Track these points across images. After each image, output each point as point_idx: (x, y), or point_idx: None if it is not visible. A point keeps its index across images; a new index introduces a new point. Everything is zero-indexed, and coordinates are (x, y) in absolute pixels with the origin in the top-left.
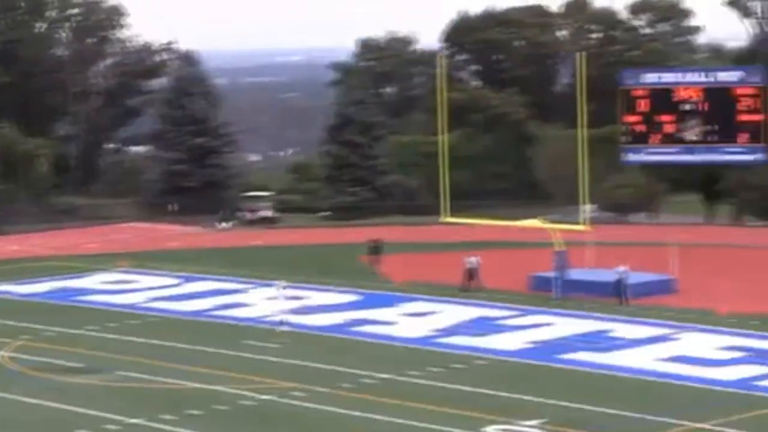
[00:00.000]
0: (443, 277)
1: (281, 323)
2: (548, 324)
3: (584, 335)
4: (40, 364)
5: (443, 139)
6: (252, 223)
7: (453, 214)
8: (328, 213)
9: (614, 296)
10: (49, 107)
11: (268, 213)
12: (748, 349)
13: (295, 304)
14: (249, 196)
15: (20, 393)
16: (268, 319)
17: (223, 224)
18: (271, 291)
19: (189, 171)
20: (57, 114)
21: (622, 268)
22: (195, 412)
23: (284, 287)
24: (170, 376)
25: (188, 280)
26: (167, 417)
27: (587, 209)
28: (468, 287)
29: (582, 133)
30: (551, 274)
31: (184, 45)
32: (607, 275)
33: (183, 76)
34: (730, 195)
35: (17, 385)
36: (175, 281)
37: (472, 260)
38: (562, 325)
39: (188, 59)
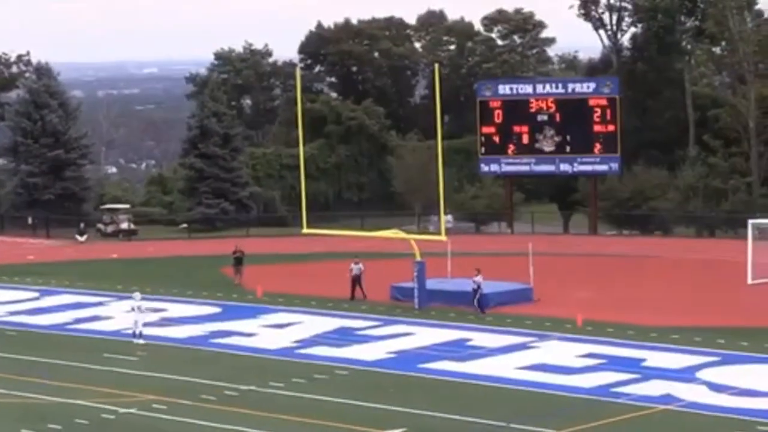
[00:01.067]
0: (304, 288)
1: (136, 335)
2: (410, 334)
3: (445, 344)
4: None
5: (301, 150)
6: (110, 235)
7: (313, 225)
8: (186, 225)
9: (473, 306)
10: None
11: (127, 225)
12: (604, 357)
13: (155, 316)
14: (107, 209)
15: None
16: (128, 332)
17: (82, 237)
18: (130, 303)
19: (46, 183)
20: None
21: (477, 278)
22: (55, 426)
23: (140, 299)
24: (30, 391)
25: (46, 293)
26: None
27: (446, 219)
28: (353, 296)
29: (439, 144)
30: (412, 284)
31: (37, 57)
32: (466, 285)
33: (37, 89)
34: (585, 204)
35: None
36: (32, 295)
37: (354, 267)
38: (424, 335)
39: (42, 71)
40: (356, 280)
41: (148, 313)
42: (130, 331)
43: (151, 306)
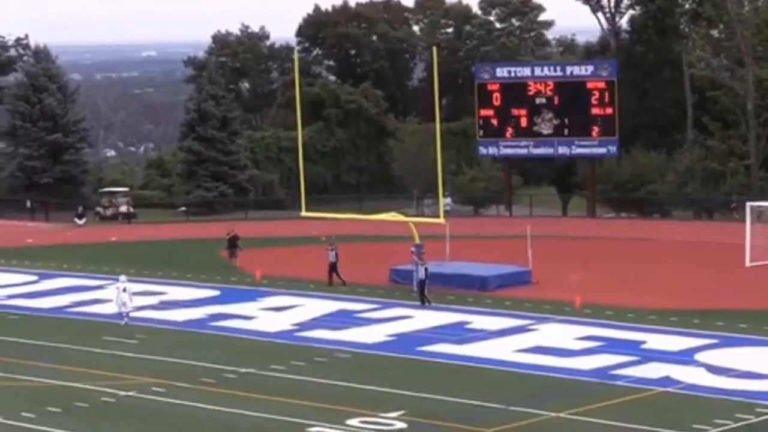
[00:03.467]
0: (303, 271)
1: (122, 316)
2: (408, 317)
3: (444, 327)
4: None
5: (299, 134)
6: (109, 218)
7: (312, 208)
8: (185, 208)
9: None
10: None
11: (125, 209)
12: (603, 339)
13: (153, 299)
14: (106, 192)
15: None
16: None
17: (80, 220)
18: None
19: (45, 167)
20: None
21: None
22: (55, 409)
23: (125, 281)
24: (29, 374)
25: (45, 276)
26: (27, 415)
27: (444, 202)
28: (330, 282)
29: (438, 127)
30: (410, 267)
31: (35, 40)
32: (465, 268)
33: (35, 72)
34: (584, 187)
35: None
36: (32, 278)
37: (330, 254)
38: (423, 318)
39: (40, 54)
40: (332, 267)
41: (133, 296)
42: (118, 311)
43: (149, 289)
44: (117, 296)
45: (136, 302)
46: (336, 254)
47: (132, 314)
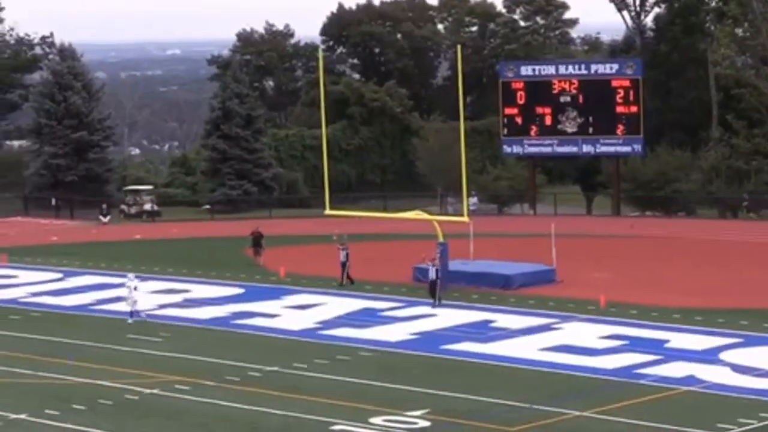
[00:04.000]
0: (327, 270)
1: (133, 315)
2: (432, 315)
3: (468, 326)
4: None
5: (324, 132)
6: (134, 216)
7: (336, 206)
8: (209, 206)
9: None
10: None
11: (150, 207)
12: (627, 338)
13: (177, 297)
14: (130, 190)
15: None
16: (151, 312)
17: (105, 218)
18: (153, 284)
19: (70, 165)
20: None
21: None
22: (79, 407)
23: (134, 279)
24: (54, 371)
25: (70, 274)
26: (52, 412)
27: (470, 201)
28: (342, 281)
29: (462, 125)
30: (436, 265)
31: (60, 38)
32: (489, 266)
33: (60, 70)
34: (608, 186)
35: None
36: (56, 276)
37: (341, 253)
38: (446, 316)
39: (65, 53)
40: (343, 266)
41: (141, 294)
42: (131, 309)
43: (173, 287)
44: (129, 295)
45: (160, 300)
46: (347, 254)
47: (156, 312)
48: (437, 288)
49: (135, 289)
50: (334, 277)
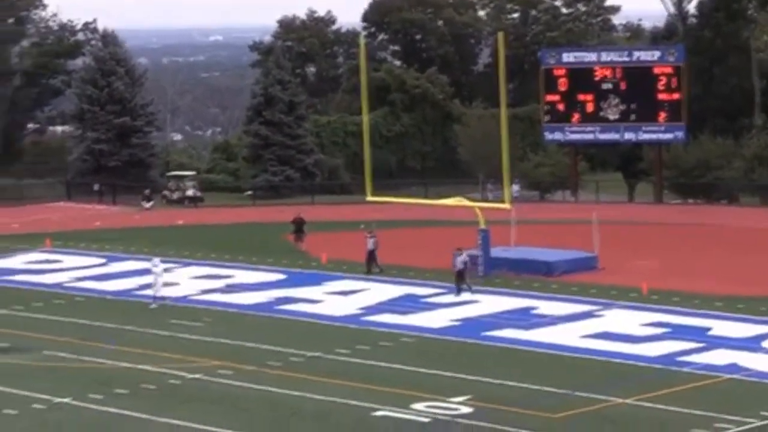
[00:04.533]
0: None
1: (155, 299)
2: (474, 302)
3: (510, 312)
4: None
5: (366, 119)
6: (176, 202)
7: (377, 192)
8: (251, 192)
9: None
10: None
11: (192, 192)
12: (669, 325)
13: (220, 283)
14: (173, 176)
15: None
16: (194, 297)
17: (147, 203)
18: (195, 270)
19: (112, 150)
20: None
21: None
22: (122, 391)
23: (158, 263)
24: (97, 356)
25: (113, 259)
26: (95, 396)
27: (513, 188)
28: (367, 270)
29: (504, 112)
30: (476, 252)
31: (103, 24)
32: (531, 253)
33: (103, 56)
34: (650, 173)
35: None
36: (99, 261)
37: (369, 241)
38: (488, 303)
39: (108, 38)
40: (371, 255)
41: (165, 277)
42: (158, 295)
43: (216, 273)
44: (156, 279)
45: (202, 286)
46: (375, 242)
47: (198, 297)
48: (464, 276)
49: (160, 273)
50: (379, 264)
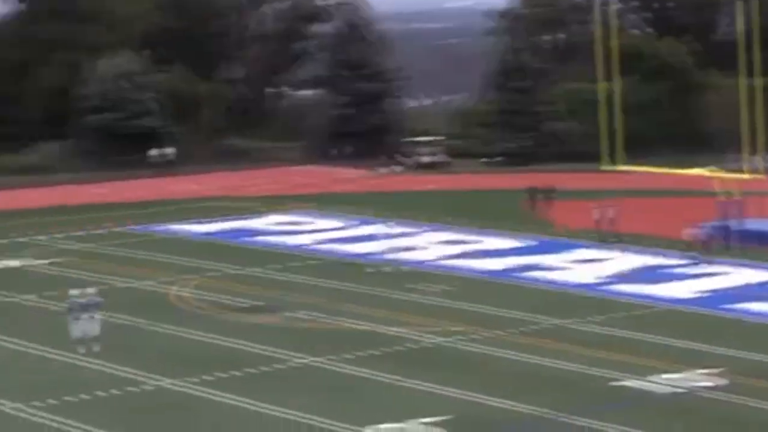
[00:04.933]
0: (610, 225)
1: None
2: (723, 273)
3: (761, 285)
4: (213, 303)
5: (608, 86)
6: (422, 167)
7: (626, 161)
8: (496, 159)
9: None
10: (217, 52)
11: (439, 158)
12: None
13: (467, 248)
14: (419, 141)
15: (196, 329)
16: (434, 263)
17: (395, 168)
18: (444, 235)
19: (357, 115)
20: (225, 58)
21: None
22: (360, 353)
23: (391, 225)
24: (343, 316)
25: (362, 223)
26: (331, 357)
27: (763, 158)
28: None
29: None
30: (724, 223)
31: None
32: None
33: (352, 21)
34: None
35: (191, 322)
36: (347, 223)
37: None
38: (737, 276)
39: (357, 3)
40: (610, 223)
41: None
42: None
43: (463, 238)
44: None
45: (450, 251)
46: (614, 211)
47: (443, 262)
48: (709, 247)
49: (389, 236)
50: (618, 233)
